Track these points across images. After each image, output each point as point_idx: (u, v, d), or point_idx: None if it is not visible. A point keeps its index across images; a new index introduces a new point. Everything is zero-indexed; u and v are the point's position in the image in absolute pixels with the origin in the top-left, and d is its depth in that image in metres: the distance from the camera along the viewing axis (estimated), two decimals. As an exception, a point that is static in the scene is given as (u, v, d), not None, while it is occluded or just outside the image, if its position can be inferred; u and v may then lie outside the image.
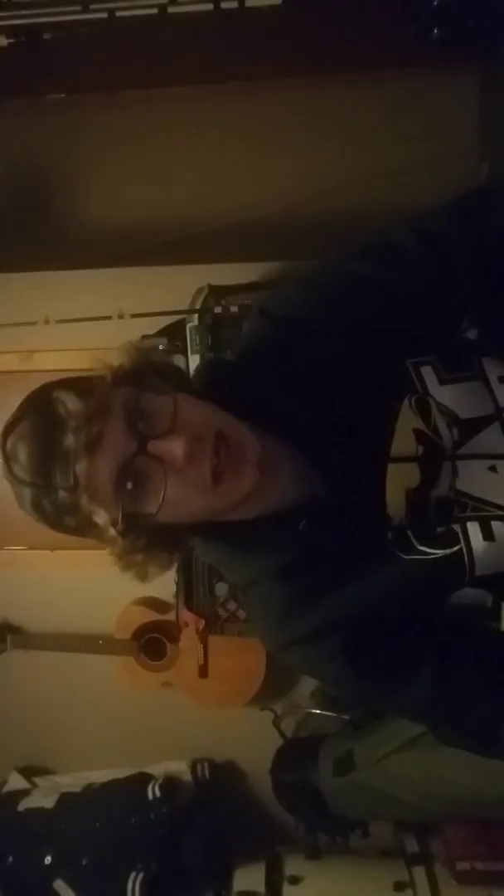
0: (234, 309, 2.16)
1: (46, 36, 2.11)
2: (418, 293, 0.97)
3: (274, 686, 2.37)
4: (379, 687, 0.96)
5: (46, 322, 2.25)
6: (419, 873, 2.08)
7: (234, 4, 2.03)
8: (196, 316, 2.16)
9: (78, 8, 2.03)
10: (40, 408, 0.84)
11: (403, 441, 0.92)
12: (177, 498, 0.84)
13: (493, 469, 0.93)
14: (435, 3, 2.03)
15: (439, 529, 0.92)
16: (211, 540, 0.96)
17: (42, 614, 2.51)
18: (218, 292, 2.19)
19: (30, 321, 2.25)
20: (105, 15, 2.04)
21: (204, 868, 2.18)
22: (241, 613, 2.27)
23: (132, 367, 0.89)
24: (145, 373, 0.89)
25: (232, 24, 2.09)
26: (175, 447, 0.82)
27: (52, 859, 2.16)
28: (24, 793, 2.43)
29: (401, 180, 2.33)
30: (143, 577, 0.92)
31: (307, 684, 2.35)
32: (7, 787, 2.51)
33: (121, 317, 2.21)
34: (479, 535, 0.92)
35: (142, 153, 2.56)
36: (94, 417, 0.82)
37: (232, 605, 2.29)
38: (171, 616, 2.39)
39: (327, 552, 0.93)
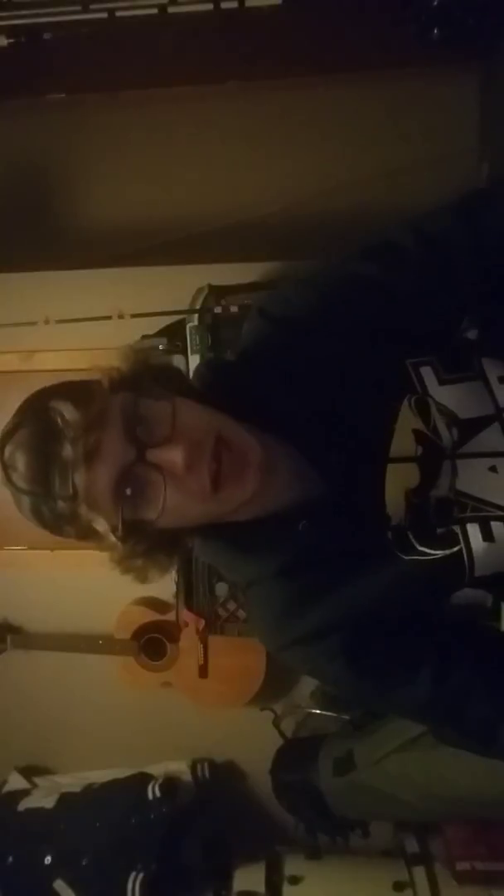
0: (234, 309, 2.16)
1: (46, 36, 2.11)
2: (418, 294, 0.97)
3: (274, 686, 2.37)
4: (379, 687, 0.96)
5: (46, 322, 2.25)
6: (419, 873, 2.08)
7: (234, 4, 2.03)
8: (196, 316, 2.16)
9: (78, 8, 2.03)
10: (37, 417, 0.84)
11: (403, 441, 0.92)
12: (176, 504, 0.84)
13: (493, 469, 0.93)
14: (435, 3, 2.03)
15: (439, 530, 0.92)
16: (210, 540, 0.96)
17: (42, 614, 2.51)
18: (218, 292, 2.18)
19: (30, 321, 2.25)
20: (105, 15, 2.04)
21: (204, 868, 2.18)
22: (241, 613, 2.26)
23: (130, 372, 0.89)
24: (143, 377, 0.89)
25: (232, 24, 2.09)
26: (174, 455, 0.82)
27: (52, 859, 2.16)
28: (24, 793, 2.43)
29: (401, 180, 2.33)
30: (143, 579, 0.92)
31: (307, 684, 2.35)
32: (7, 787, 2.51)
33: (121, 317, 2.21)
34: (479, 536, 0.92)
35: (142, 153, 2.56)
36: (91, 426, 0.81)
37: (232, 605, 2.29)
38: (171, 616, 2.39)
39: (327, 552, 0.93)
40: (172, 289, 2.24)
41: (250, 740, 2.39)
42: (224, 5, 2.03)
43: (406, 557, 0.92)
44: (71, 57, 2.21)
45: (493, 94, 2.40)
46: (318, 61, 2.34)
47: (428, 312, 0.98)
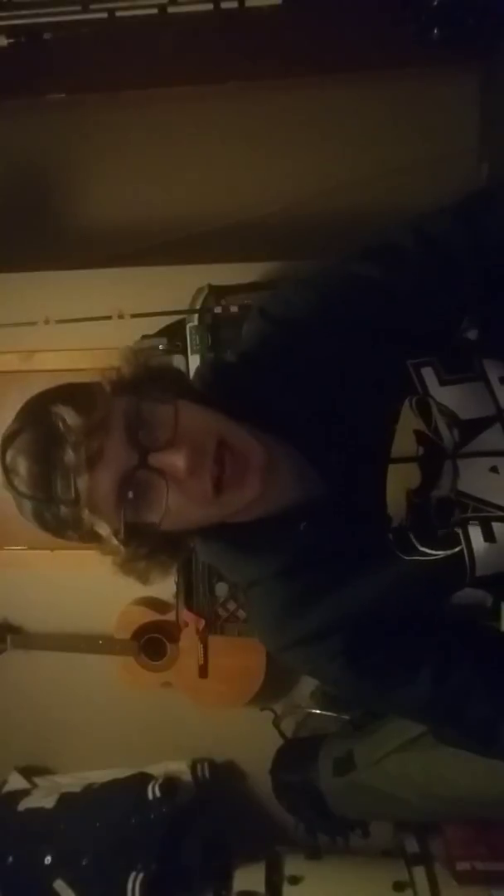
0: (234, 309, 2.15)
1: (46, 36, 2.11)
2: (418, 294, 0.97)
3: (274, 686, 2.37)
4: (379, 687, 0.97)
5: (46, 322, 2.25)
6: (419, 873, 2.08)
7: (234, 4, 2.03)
8: (196, 316, 2.16)
9: (78, 8, 2.03)
10: (39, 422, 0.84)
11: (404, 442, 0.92)
12: (178, 508, 0.84)
13: (494, 470, 0.93)
14: (435, 3, 2.03)
15: (440, 530, 0.92)
16: (211, 541, 0.96)
17: (42, 614, 2.51)
18: (218, 292, 2.18)
19: (30, 321, 2.25)
20: (105, 15, 2.03)
21: (204, 868, 2.18)
22: (241, 613, 2.26)
23: (131, 375, 0.89)
24: (145, 380, 0.89)
25: (232, 24, 2.09)
26: (176, 460, 0.82)
27: (52, 859, 2.16)
28: (24, 793, 2.43)
29: (401, 180, 2.33)
30: (145, 581, 0.93)
31: (307, 684, 2.35)
32: (7, 787, 2.51)
33: (121, 317, 2.21)
34: (480, 536, 0.92)
35: (142, 153, 2.56)
36: (93, 432, 0.81)
37: (232, 605, 2.29)
38: (171, 616, 2.39)
39: (328, 553, 0.94)
40: (172, 289, 2.23)
41: (250, 740, 2.39)
42: (224, 5, 2.03)
43: (407, 558, 0.92)
44: (71, 57, 2.20)
45: (493, 94, 2.40)
46: (318, 61, 2.34)
47: (428, 313, 0.98)
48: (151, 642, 2.40)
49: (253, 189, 2.51)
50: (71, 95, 2.48)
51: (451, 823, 2.13)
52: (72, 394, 0.86)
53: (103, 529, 0.85)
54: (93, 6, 2.03)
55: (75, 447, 0.81)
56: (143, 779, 2.32)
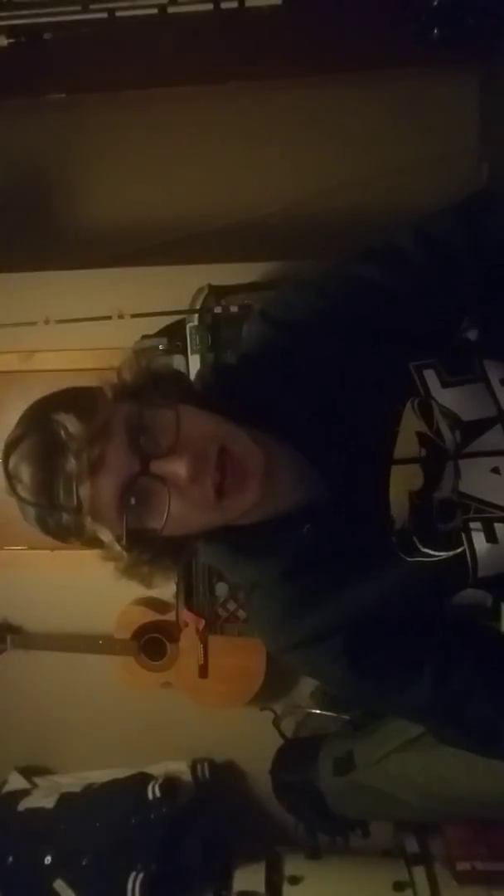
0: (234, 309, 2.15)
1: (46, 36, 2.11)
2: (419, 295, 0.98)
3: (274, 686, 2.37)
4: (380, 688, 0.97)
5: (46, 322, 2.25)
6: (419, 873, 2.09)
7: (234, 4, 2.03)
8: (196, 316, 2.16)
9: (78, 8, 2.03)
10: (40, 429, 0.84)
11: (406, 443, 0.92)
12: (180, 514, 0.84)
13: (495, 471, 0.93)
14: (435, 3, 2.03)
15: (442, 531, 0.92)
16: (213, 544, 0.96)
17: (42, 614, 2.51)
18: (218, 292, 2.18)
19: (30, 321, 2.25)
20: (105, 15, 2.03)
21: (204, 868, 2.18)
22: (241, 613, 2.27)
23: (133, 381, 0.89)
24: (146, 385, 0.89)
25: (232, 24, 2.09)
26: (178, 467, 0.82)
27: (52, 859, 2.16)
28: (24, 793, 2.43)
29: (401, 180, 2.33)
30: (148, 585, 0.93)
31: (307, 684, 2.36)
32: (7, 787, 2.51)
33: (121, 317, 2.21)
34: (482, 537, 0.92)
35: (142, 153, 2.56)
36: (95, 439, 0.81)
37: (232, 605, 2.29)
38: (171, 616, 2.39)
39: (330, 554, 0.94)
40: (172, 289, 2.23)
41: (250, 740, 2.39)
42: (224, 5, 2.03)
43: (409, 559, 0.92)
44: (71, 57, 2.20)
45: (493, 94, 2.40)
46: (318, 61, 2.34)
47: (428, 313, 0.98)
48: (151, 642, 2.40)
49: (253, 189, 2.51)
50: (71, 95, 2.48)
51: (451, 823, 2.13)
52: (73, 400, 0.86)
53: (105, 536, 0.85)
54: (93, 6, 2.03)
55: (77, 455, 0.81)
56: (143, 779, 2.32)
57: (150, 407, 0.85)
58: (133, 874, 2.07)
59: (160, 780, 2.30)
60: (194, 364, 2.13)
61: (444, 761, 1.83)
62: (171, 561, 0.92)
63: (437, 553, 0.92)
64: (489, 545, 0.92)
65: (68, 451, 0.81)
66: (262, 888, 2.10)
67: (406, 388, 0.95)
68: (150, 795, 2.26)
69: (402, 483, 0.91)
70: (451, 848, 2.09)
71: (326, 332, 0.96)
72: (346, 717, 2.17)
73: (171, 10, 2.04)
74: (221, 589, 2.27)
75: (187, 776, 2.42)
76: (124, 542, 0.85)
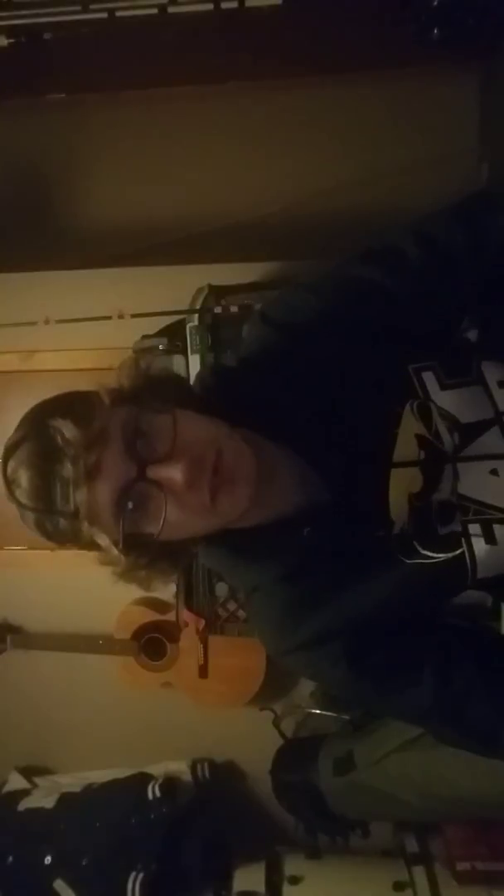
0: (234, 309, 2.15)
1: (46, 36, 2.10)
2: (419, 296, 0.98)
3: (274, 686, 2.37)
4: (381, 690, 0.97)
5: (46, 322, 2.25)
6: (419, 873, 2.09)
7: (234, 4, 2.02)
8: (196, 316, 2.16)
9: (78, 8, 2.03)
10: (38, 434, 0.84)
11: (406, 446, 0.93)
12: (177, 519, 0.84)
13: (494, 472, 0.94)
14: (435, 3, 2.03)
15: (442, 533, 0.92)
16: (213, 547, 0.96)
17: (42, 614, 2.51)
18: (218, 292, 2.18)
19: (30, 321, 2.25)
20: (105, 15, 2.03)
21: (204, 868, 2.18)
22: (241, 613, 2.27)
23: (130, 386, 0.89)
24: (144, 390, 0.89)
25: (232, 24, 2.09)
26: (174, 473, 0.82)
27: (52, 859, 2.16)
28: (24, 793, 2.43)
29: (401, 180, 2.33)
30: (147, 588, 0.93)
31: (307, 684, 2.36)
32: (7, 787, 2.51)
33: (121, 317, 2.21)
34: (482, 539, 0.92)
35: (142, 153, 2.56)
36: (92, 444, 0.81)
37: (232, 605, 2.29)
38: (171, 616, 2.39)
39: (329, 557, 0.94)
40: (172, 289, 2.23)
41: (250, 740, 2.39)
42: (224, 5, 2.03)
43: (409, 561, 0.92)
44: (71, 57, 2.20)
45: (493, 94, 2.40)
46: (318, 61, 2.33)
47: (429, 314, 0.98)
48: (151, 642, 2.40)
49: (253, 189, 2.50)
50: (71, 95, 2.48)
51: (451, 823, 2.14)
52: (70, 405, 0.86)
53: (103, 540, 0.85)
54: (93, 6, 2.02)
55: (74, 460, 0.81)
56: (143, 779, 2.32)
57: (148, 412, 0.85)
58: (133, 874, 2.07)
59: (160, 780, 2.31)
60: (194, 364, 2.13)
61: (444, 761, 1.83)
62: (169, 565, 0.92)
63: (436, 555, 0.92)
64: (488, 546, 0.92)
65: (65, 456, 0.81)
66: (262, 888, 2.10)
67: (405, 390, 0.95)
68: (150, 795, 2.26)
69: (402, 485, 0.92)
70: (451, 848, 2.09)
71: (326, 334, 0.96)
72: (346, 717, 2.17)
73: (171, 10, 2.04)
74: (221, 589, 2.27)
75: (187, 776, 2.42)
76: (121, 546, 0.85)
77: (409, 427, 0.93)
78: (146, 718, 2.47)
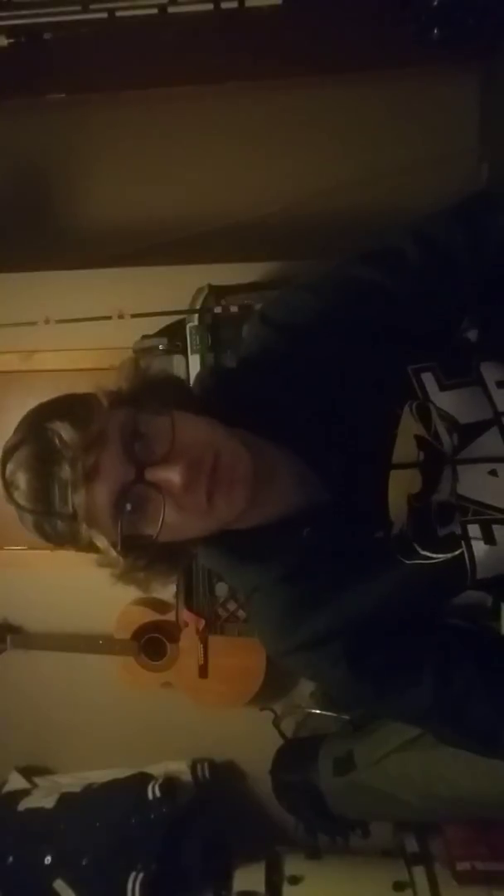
0: (234, 309, 2.15)
1: (46, 36, 2.11)
2: (419, 296, 0.97)
3: (274, 686, 2.37)
4: (381, 691, 0.97)
5: (46, 322, 2.25)
6: (419, 873, 2.09)
7: (234, 4, 2.03)
8: (196, 316, 2.16)
9: (78, 8, 2.03)
10: (36, 437, 0.84)
11: (405, 447, 0.93)
12: (175, 521, 0.84)
13: (493, 473, 0.93)
14: (435, 3, 2.03)
15: (441, 534, 0.92)
16: (213, 548, 0.96)
17: (42, 614, 2.51)
18: (218, 292, 2.18)
19: (30, 321, 2.25)
20: (105, 15, 2.03)
21: (204, 868, 2.18)
22: (241, 613, 2.27)
23: (128, 388, 0.89)
24: (141, 393, 0.89)
25: (232, 24, 2.09)
26: (172, 475, 0.82)
27: (52, 859, 2.16)
28: (24, 793, 2.43)
29: (401, 180, 2.33)
30: (146, 590, 0.94)
31: (307, 684, 2.36)
32: (7, 787, 2.51)
33: (121, 317, 2.21)
34: (481, 539, 0.92)
35: (142, 153, 2.56)
36: (90, 447, 0.81)
37: (232, 605, 2.29)
38: (171, 616, 2.39)
39: (329, 558, 0.94)
40: (172, 289, 2.23)
41: (250, 740, 2.39)
42: (224, 5, 2.03)
43: (408, 562, 0.92)
44: (71, 57, 2.20)
45: (493, 94, 2.40)
46: (318, 61, 2.33)
47: (429, 314, 0.98)
48: (151, 642, 2.40)
49: (253, 189, 2.50)
50: (71, 95, 2.48)
51: (451, 823, 2.14)
52: (68, 408, 0.86)
53: (101, 542, 0.85)
54: (93, 6, 2.03)
55: (72, 463, 0.81)
56: (143, 779, 2.32)
57: (146, 414, 0.85)
58: (133, 874, 2.07)
59: (160, 780, 2.31)
60: (194, 364, 2.13)
61: (444, 761, 1.83)
62: (168, 566, 0.92)
63: (435, 555, 0.92)
64: (487, 547, 0.92)
65: (63, 458, 0.81)
66: (262, 888, 2.10)
67: (404, 390, 0.95)
68: (150, 795, 2.26)
69: (401, 486, 0.92)
70: (451, 848, 2.09)
71: (326, 335, 0.96)
72: (346, 717, 2.17)
73: (171, 10, 2.04)
74: (221, 589, 2.28)
75: (187, 776, 2.42)
76: (120, 548, 0.85)
77: (409, 428, 0.93)
78: (146, 718, 2.47)
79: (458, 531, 0.92)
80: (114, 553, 0.86)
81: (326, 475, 0.93)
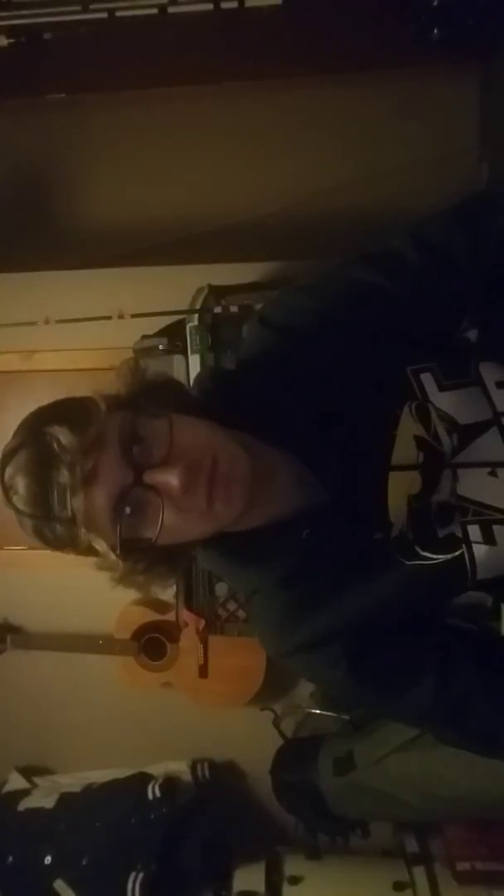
0: (234, 309, 2.15)
1: (46, 36, 2.11)
2: (419, 298, 0.97)
3: (274, 686, 2.37)
4: (381, 692, 0.97)
5: (46, 322, 2.25)
6: (419, 873, 2.09)
7: (234, 4, 2.03)
8: (196, 316, 2.16)
9: (78, 8, 2.03)
10: (34, 441, 0.84)
11: (405, 449, 0.93)
12: (174, 524, 0.84)
13: (492, 474, 0.93)
14: (435, 3, 2.03)
15: (441, 535, 0.92)
16: (212, 550, 0.96)
17: (42, 614, 2.51)
18: (218, 292, 2.18)
19: (30, 321, 2.25)
20: (105, 15, 2.04)
21: (204, 868, 2.18)
22: (241, 613, 2.27)
23: (126, 392, 0.89)
24: (140, 396, 0.89)
25: (232, 24, 2.09)
26: (171, 478, 0.82)
27: (52, 859, 2.16)
28: (24, 793, 2.43)
29: (401, 180, 2.33)
30: (146, 593, 0.94)
31: (307, 684, 2.35)
32: (7, 787, 2.51)
33: (121, 317, 2.21)
34: (481, 539, 0.92)
35: (142, 153, 2.56)
36: (88, 451, 0.81)
37: (232, 605, 2.29)
38: (171, 616, 2.39)
39: (329, 559, 0.94)
40: (172, 289, 2.23)
41: (250, 740, 2.39)
42: (224, 5, 2.03)
43: (408, 563, 0.92)
44: (71, 57, 2.21)
45: (493, 94, 2.40)
46: (318, 61, 2.33)
47: (428, 316, 0.98)
48: (151, 642, 2.40)
49: (253, 189, 2.50)
50: (71, 95, 2.48)
51: (451, 823, 2.14)
52: (66, 412, 0.86)
53: (101, 546, 0.85)
54: (93, 6, 2.03)
55: (70, 467, 0.81)
56: (143, 779, 2.32)
57: (144, 417, 0.85)
58: (133, 874, 2.07)
59: (160, 780, 2.31)
60: (194, 364, 2.13)
61: (444, 761, 1.83)
62: (167, 569, 0.92)
63: (435, 556, 0.92)
64: (488, 547, 0.92)
65: (62, 463, 0.81)
66: (262, 888, 2.10)
67: (404, 391, 0.95)
68: (150, 795, 2.26)
69: (401, 487, 0.92)
70: (451, 848, 2.09)
71: (325, 337, 0.96)
72: (346, 717, 2.17)
73: (171, 10, 2.04)
74: (221, 589, 2.28)
75: (187, 776, 2.42)
76: (119, 551, 0.85)
77: (408, 428, 0.93)
78: (146, 718, 2.47)
79: (459, 532, 0.92)
80: (113, 556, 0.86)
81: (325, 476, 0.93)
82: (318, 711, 2.28)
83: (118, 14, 2.04)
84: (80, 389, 0.90)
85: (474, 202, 1.04)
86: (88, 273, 2.34)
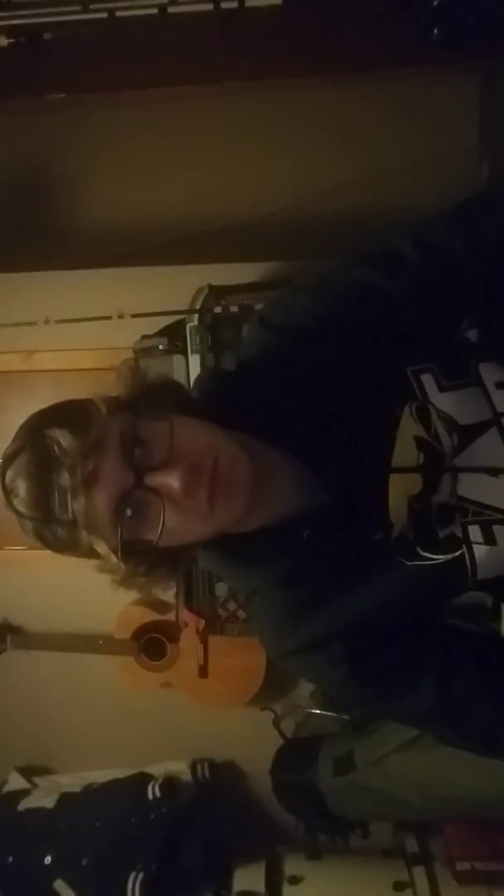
0: (234, 309, 2.15)
1: (46, 36, 2.11)
2: (418, 299, 0.97)
3: (274, 686, 2.37)
4: (382, 693, 0.97)
5: (46, 322, 2.25)
6: (419, 873, 2.09)
7: (234, 4, 2.03)
8: (196, 316, 2.16)
9: (78, 8, 2.03)
10: (35, 444, 0.84)
11: (406, 450, 0.93)
12: (175, 526, 0.84)
13: (492, 474, 0.93)
14: (435, 3, 2.03)
15: (441, 535, 0.92)
16: (213, 551, 0.96)
17: (42, 614, 2.51)
18: (218, 292, 2.18)
19: (30, 321, 2.25)
20: (105, 15, 2.04)
21: (204, 868, 2.18)
22: (241, 613, 2.27)
23: (127, 394, 0.89)
24: (140, 398, 0.89)
25: (232, 24, 2.09)
26: (172, 480, 0.82)
27: (52, 859, 2.16)
28: (24, 793, 2.44)
29: (401, 180, 2.33)
30: (147, 594, 0.95)
31: (307, 684, 2.36)
32: (7, 787, 2.51)
33: (121, 317, 2.21)
34: (481, 540, 0.92)
35: (142, 153, 2.55)
36: (89, 453, 0.82)
37: (232, 605, 2.29)
38: (171, 616, 2.39)
39: (330, 560, 0.94)
40: (172, 289, 2.23)
41: (250, 740, 2.40)
42: (224, 5, 2.03)
43: (409, 563, 0.92)
44: (71, 57, 2.20)
45: (493, 94, 2.40)
46: (318, 61, 2.33)
47: (428, 316, 0.98)
48: (151, 642, 2.40)
49: (253, 189, 2.50)
50: (71, 95, 2.47)
51: (451, 823, 2.14)
52: (67, 415, 0.86)
53: (102, 548, 0.86)
54: (93, 6, 2.03)
55: (71, 469, 0.81)
56: (143, 779, 2.32)
57: (144, 419, 0.85)
58: (133, 874, 2.07)
59: (160, 780, 2.31)
60: (194, 364, 2.13)
61: (445, 761, 1.83)
62: (168, 571, 0.92)
63: (436, 557, 0.92)
64: (488, 547, 0.92)
65: (62, 465, 0.82)
66: (262, 888, 2.10)
67: (404, 392, 0.95)
68: (150, 795, 2.26)
69: (401, 488, 0.92)
70: (451, 848, 2.09)
71: (325, 337, 0.96)
72: (346, 717, 2.17)
73: (171, 10, 2.04)
74: (221, 589, 2.28)
75: (187, 776, 2.42)
76: (120, 554, 0.85)
77: (409, 429, 0.93)
78: (146, 718, 2.47)
79: (459, 532, 0.92)
80: (114, 559, 0.86)
81: (326, 477, 0.93)
82: (318, 711, 2.28)
83: (118, 14, 2.04)
84: (81, 389, 0.91)
85: (474, 202, 1.04)
86: (88, 273, 2.34)
